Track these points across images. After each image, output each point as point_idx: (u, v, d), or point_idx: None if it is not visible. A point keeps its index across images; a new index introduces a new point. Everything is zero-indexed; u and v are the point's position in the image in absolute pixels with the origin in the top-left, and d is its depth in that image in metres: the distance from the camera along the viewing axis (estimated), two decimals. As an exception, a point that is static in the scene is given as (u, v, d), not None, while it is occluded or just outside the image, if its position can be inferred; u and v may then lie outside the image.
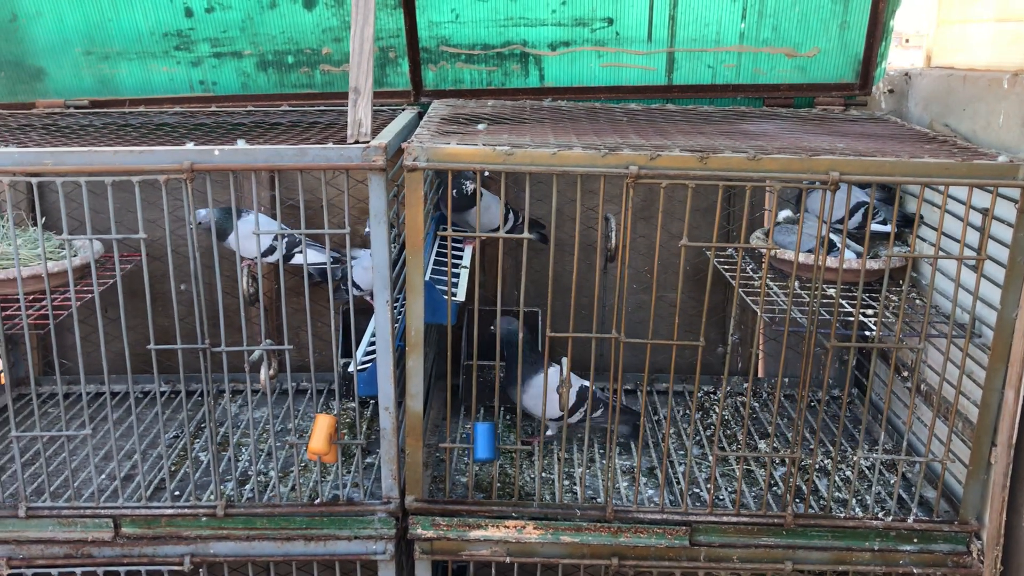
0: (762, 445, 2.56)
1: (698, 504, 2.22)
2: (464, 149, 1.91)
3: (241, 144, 2.01)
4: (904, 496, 2.18)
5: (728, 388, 2.91)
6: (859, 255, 2.42)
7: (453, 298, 2.13)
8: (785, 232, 2.56)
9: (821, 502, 2.24)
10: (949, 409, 2.10)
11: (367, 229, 1.97)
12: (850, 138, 2.21)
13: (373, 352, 2.16)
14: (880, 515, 2.13)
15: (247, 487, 2.27)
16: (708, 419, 2.74)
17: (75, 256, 2.44)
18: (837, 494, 2.27)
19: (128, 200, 1.95)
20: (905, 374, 2.51)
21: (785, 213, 2.71)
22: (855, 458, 2.30)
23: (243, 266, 2.53)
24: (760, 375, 3.03)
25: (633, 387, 2.91)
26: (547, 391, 2.09)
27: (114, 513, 2.10)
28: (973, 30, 2.63)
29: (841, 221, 2.60)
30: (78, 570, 2.11)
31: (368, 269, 2.46)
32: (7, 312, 2.20)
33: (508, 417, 2.69)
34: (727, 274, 2.53)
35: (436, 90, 2.73)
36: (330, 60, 2.69)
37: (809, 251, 2.47)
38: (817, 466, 2.42)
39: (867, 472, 2.35)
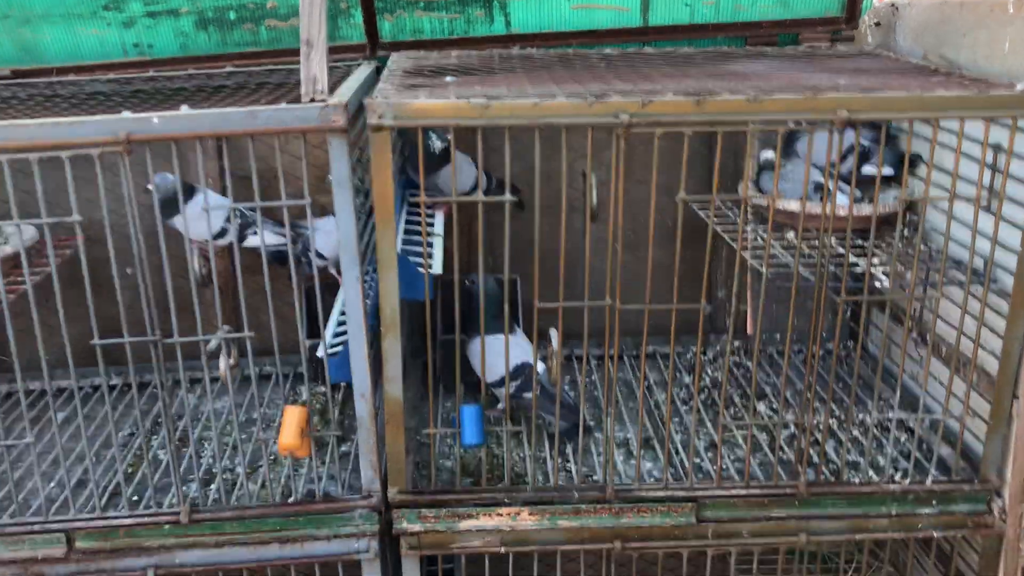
0: (762, 408, 2.41)
1: (702, 477, 2.07)
2: (435, 103, 1.71)
3: (185, 110, 1.80)
4: (919, 457, 2.05)
5: (717, 348, 2.76)
6: (857, 200, 2.27)
7: (429, 270, 1.95)
8: (771, 178, 2.39)
9: (831, 466, 2.11)
10: (965, 363, 1.97)
11: (329, 176, 1.76)
12: (847, 75, 2.05)
13: (344, 333, 1.96)
14: (897, 478, 1.99)
15: (212, 487, 2.07)
16: (701, 384, 2.58)
17: (5, 244, 2.21)
18: (848, 458, 2.13)
19: (61, 179, 1.72)
20: (911, 327, 2.37)
21: (767, 155, 2.55)
22: (868, 419, 2.15)
23: (193, 247, 2.32)
24: (748, 332, 2.88)
25: (620, 352, 2.75)
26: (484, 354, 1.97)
27: (66, 527, 1.90)
28: (965, -46, 2.47)
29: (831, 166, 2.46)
30: (29, 591, 1.91)
31: (331, 234, 2.26)
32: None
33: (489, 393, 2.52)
34: (722, 232, 2.36)
35: (394, 42, 2.51)
36: (276, 14, 2.45)
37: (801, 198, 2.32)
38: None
39: (878, 434, 2.21)
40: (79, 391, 1.91)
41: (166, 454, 2.22)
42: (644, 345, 1.95)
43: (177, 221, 2.28)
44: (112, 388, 2.53)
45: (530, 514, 1.95)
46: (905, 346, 2.14)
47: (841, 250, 2.12)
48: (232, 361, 1.96)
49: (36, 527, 1.89)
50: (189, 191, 2.28)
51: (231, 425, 2.27)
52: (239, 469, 2.07)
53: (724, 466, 2.09)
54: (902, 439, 2.20)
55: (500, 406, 2.29)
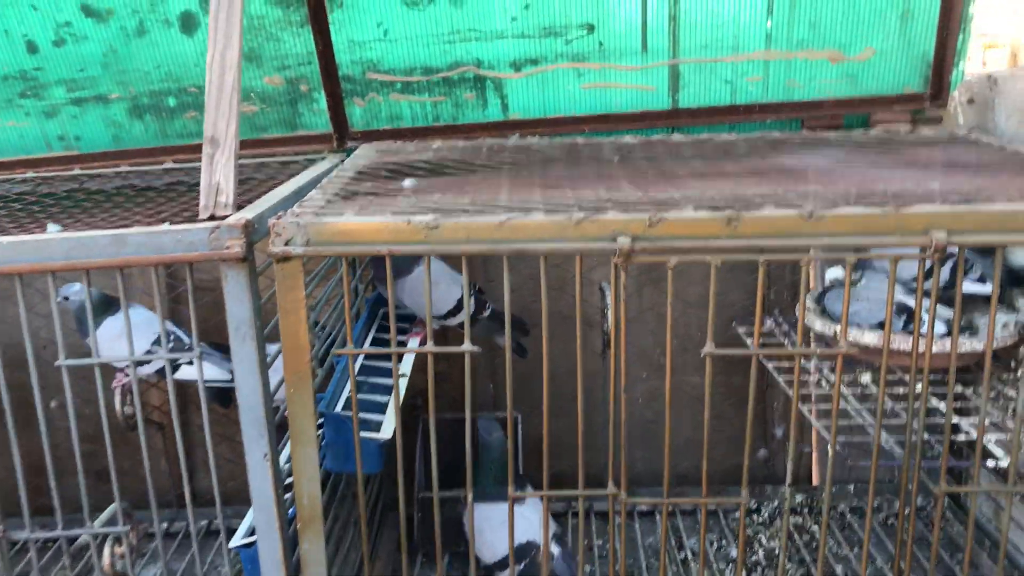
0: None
1: None
2: (362, 224, 1.24)
3: (52, 230, 1.40)
4: None
5: (775, 504, 2.20)
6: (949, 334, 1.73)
7: (375, 436, 1.46)
8: (839, 299, 1.86)
9: None
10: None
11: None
12: (938, 172, 1.54)
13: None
14: None
15: None
16: (751, 558, 2.02)
17: None
18: None
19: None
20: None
21: (834, 273, 2.03)
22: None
23: (116, 384, 1.89)
24: (814, 483, 2.31)
25: (650, 508, 2.20)
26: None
27: None
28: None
29: (912, 280, 1.93)
30: None
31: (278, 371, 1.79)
32: None
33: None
34: (774, 371, 1.83)
35: (368, 131, 2.07)
36: (225, 100, 2.03)
37: (879, 325, 1.79)
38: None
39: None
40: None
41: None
42: (664, 539, 1.42)
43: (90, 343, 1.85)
44: None
45: None
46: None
47: (936, 402, 1.59)
48: (121, 550, 1.49)
49: None
50: (106, 305, 1.86)
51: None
52: None
53: None
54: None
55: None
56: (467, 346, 1.30)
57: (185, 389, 2.19)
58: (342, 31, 1.94)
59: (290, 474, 1.37)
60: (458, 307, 1.89)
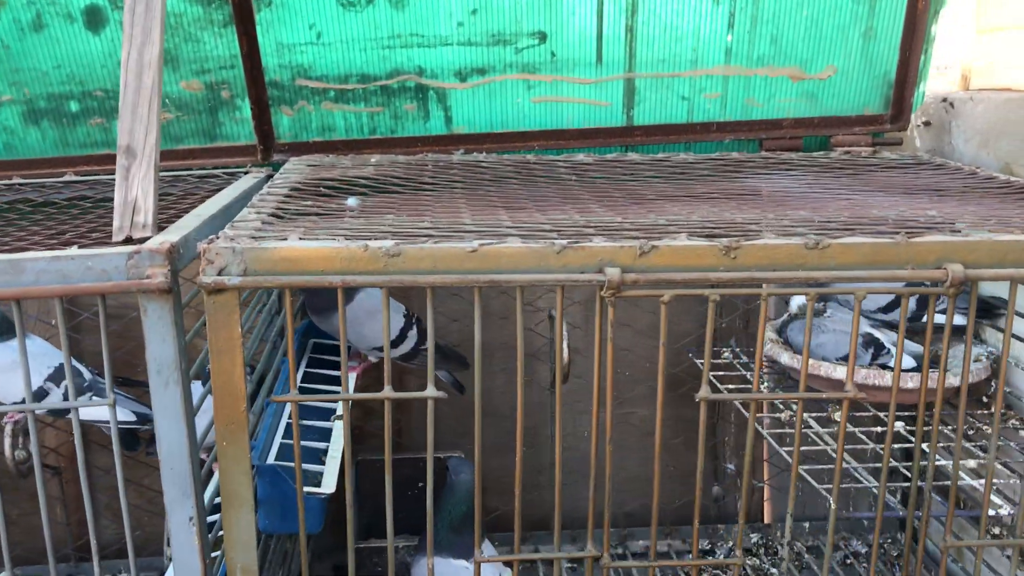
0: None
1: None
2: (310, 250, 1.07)
3: None
4: None
5: (730, 543, 2.09)
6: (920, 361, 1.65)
7: (317, 491, 1.29)
8: (802, 331, 1.76)
9: None
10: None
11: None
12: (923, 197, 1.45)
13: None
14: None
15: None
16: (710, 599, 1.91)
17: None
18: None
19: None
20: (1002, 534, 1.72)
21: (799, 301, 1.94)
22: None
23: (6, 421, 1.66)
24: (767, 520, 2.22)
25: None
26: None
27: None
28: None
29: (883, 311, 1.85)
30: None
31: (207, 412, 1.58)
32: None
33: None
34: (732, 397, 1.72)
35: (296, 142, 1.88)
36: (135, 105, 1.82)
37: (843, 359, 1.70)
38: None
39: None
40: None
41: None
42: None
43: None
44: None
45: None
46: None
47: (908, 437, 1.49)
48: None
49: None
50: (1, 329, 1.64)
51: None
52: None
53: None
54: None
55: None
56: (431, 391, 1.13)
57: (84, 429, 1.96)
58: (270, 32, 1.76)
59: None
60: (400, 337, 1.72)
